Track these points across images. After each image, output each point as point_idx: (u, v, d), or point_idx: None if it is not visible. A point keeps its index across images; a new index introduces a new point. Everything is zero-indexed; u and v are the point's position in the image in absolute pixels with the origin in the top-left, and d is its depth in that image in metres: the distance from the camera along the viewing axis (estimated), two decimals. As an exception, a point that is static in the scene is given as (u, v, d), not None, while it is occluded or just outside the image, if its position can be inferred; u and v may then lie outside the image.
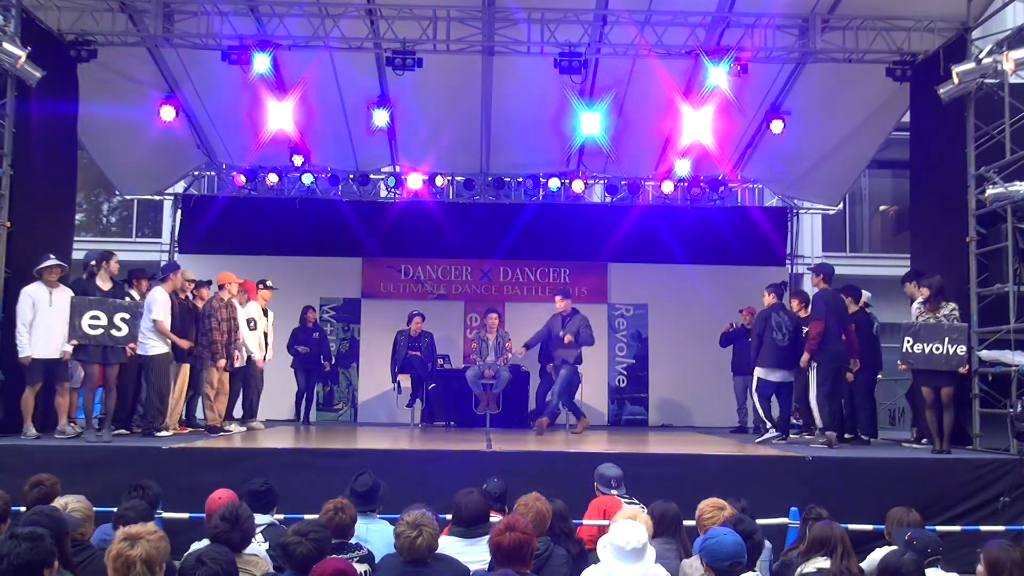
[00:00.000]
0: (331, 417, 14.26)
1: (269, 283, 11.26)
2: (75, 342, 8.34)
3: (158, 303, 9.24)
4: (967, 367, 8.80)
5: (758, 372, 9.83)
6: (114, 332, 8.36)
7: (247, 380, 10.83)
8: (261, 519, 5.21)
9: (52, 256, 8.66)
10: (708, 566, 4.05)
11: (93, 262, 9.02)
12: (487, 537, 4.17)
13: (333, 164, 14.21)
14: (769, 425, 9.81)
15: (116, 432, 8.94)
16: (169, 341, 9.32)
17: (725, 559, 3.97)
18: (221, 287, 10.22)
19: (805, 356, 9.16)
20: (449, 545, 4.64)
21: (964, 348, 8.67)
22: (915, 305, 9.43)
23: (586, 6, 10.14)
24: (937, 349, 8.69)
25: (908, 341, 8.84)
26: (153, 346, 9.15)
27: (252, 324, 10.74)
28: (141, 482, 5.47)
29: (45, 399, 8.80)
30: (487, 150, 13.74)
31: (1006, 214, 8.91)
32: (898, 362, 9.20)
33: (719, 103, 12.16)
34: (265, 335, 11.06)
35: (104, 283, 8.85)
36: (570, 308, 11.37)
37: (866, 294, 10.79)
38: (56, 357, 8.62)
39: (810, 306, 9.45)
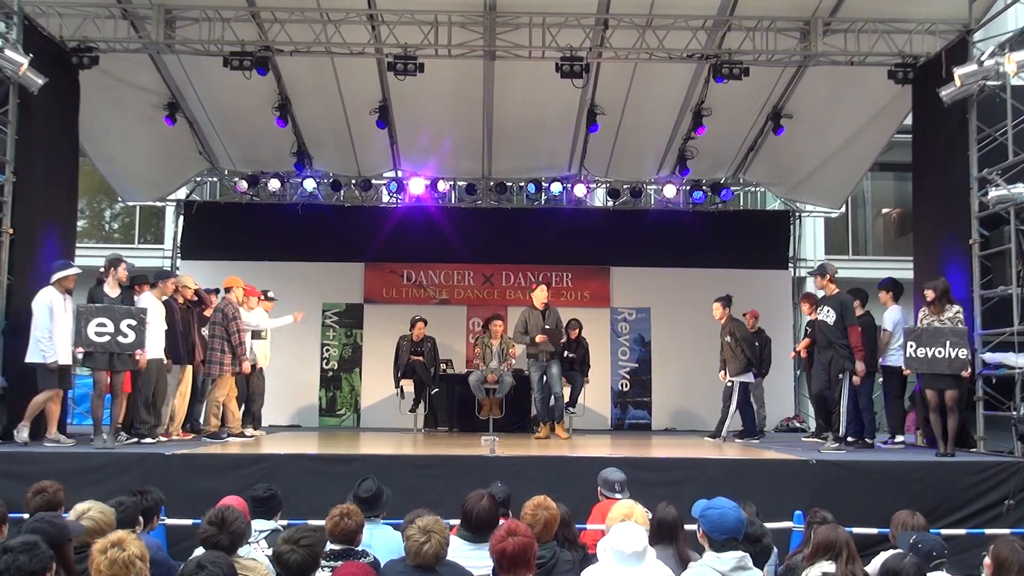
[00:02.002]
0: (334, 422, 14.25)
1: (271, 295, 11.24)
2: (82, 349, 8.35)
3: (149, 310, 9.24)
4: (969, 370, 8.79)
5: (745, 379, 10.77)
6: (120, 339, 8.37)
7: (255, 387, 10.85)
8: (264, 525, 5.21)
9: (72, 263, 8.75)
10: (704, 533, 4.04)
11: (102, 269, 9.04)
12: (493, 543, 4.15)
13: (335, 169, 14.24)
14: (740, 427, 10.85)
15: (121, 439, 8.96)
16: (163, 346, 9.33)
17: (723, 532, 3.97)
18: (228, 291, 10.22)
19: (861, 365, 9.09)
20: (455, 546, 4.63)
21: (966, 351, 8.66)
22: (891, 310, 9.88)
23: (587, 10, 10.14)
24: (939, 353, 8.68)
25: (911, 345, 8.83)
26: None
27: (263, 334, 10.79)
28: (141, 487, 5.45)
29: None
30: (489, 154, 13.75)
31: (1009, 216, 8.89)
32: (902, 366, 9.22)
33: (721, 106, 12.23)
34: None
35: (112, 289, 8.84)
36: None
37: None
38: (69, 363, 8.68)
39: (840, 307, 9.29)
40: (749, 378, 10.87)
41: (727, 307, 11.01)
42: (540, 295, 10.97)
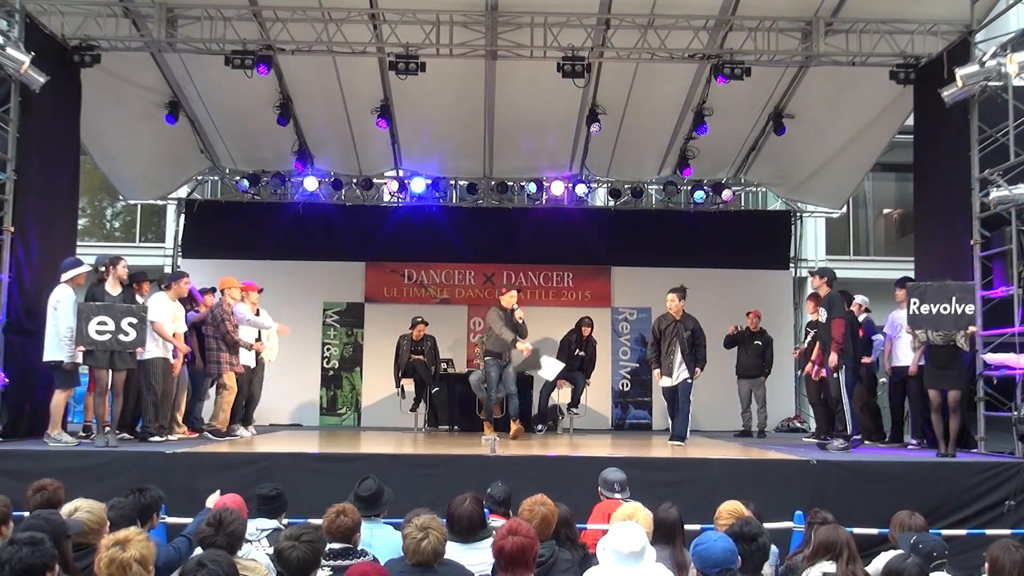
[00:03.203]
0: (335, 421, 14.26)
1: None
2: (83, 348, 8.35)
3: (155, 306, 9.25)
4: (976, 327, 8.73)
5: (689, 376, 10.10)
6: (121, 337, 8.36)
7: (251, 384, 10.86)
8: (266, 524, 5.21)
9: (83, 261, 8.82)
10: (699, 572, 4.03)
11: (103, 267, 9.04)
12: (488, 541, 4.14)
13: (336, 168, 14.24)
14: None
15: (121, 437, 8.97)
16: (170, 346, 9.33)
17: (714, 565, 3.94)
18: (223, 292, 10.22)
19: (834, 356, 9.10)
20: (449, 549, 4.62)
21: (972, 307, 8.60)
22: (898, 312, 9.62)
23: (589, 10, 10.14)
24: (945, 309, 8.59)
25: (915, 303, 8.73)
26: (150, 350, 9.15)
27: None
28: (141, 486, 5.45)
29: (42, 402, 8.80)
30: (490, 154, 13.75)
31: (1010, 217, 8.88)
32: (905, 326, 9.12)
33: (722, 106, 12.23)
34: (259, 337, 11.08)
35: (113, 288, 8.87)
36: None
37: (863, 299, 10.83)
38: (78, 362, 8.69)
39: (828, 305, 9.30)
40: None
41: (683, 299, 10.29)
42: (510, 300, 10.90)
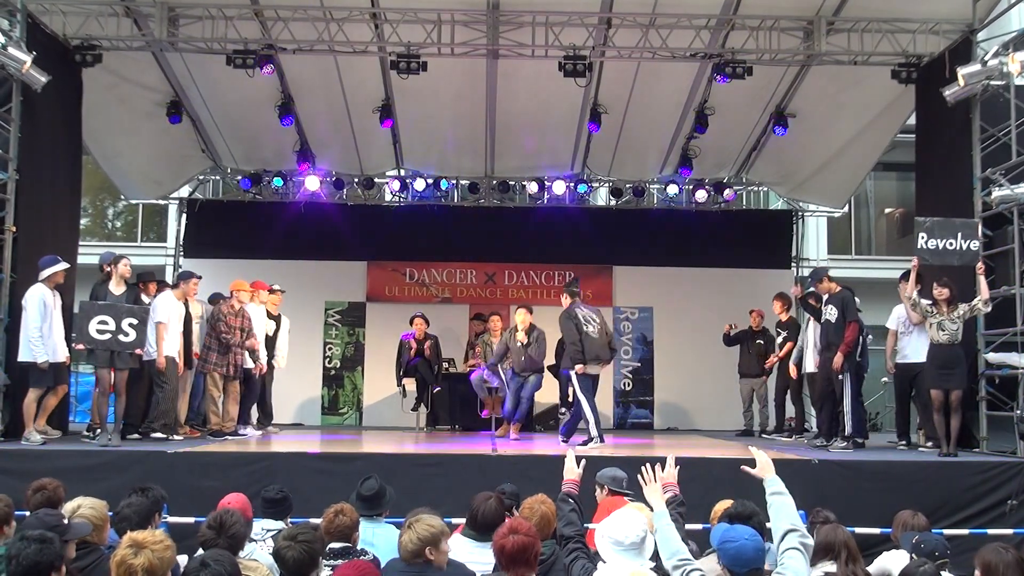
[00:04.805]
0: (336, 421, 14.26)
1: (276, 287, 11.24)
2: (83, 346, 8.36)
3: (160, 307, 9.26)
4: (982, 265, 8.73)
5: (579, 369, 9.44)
6: (121, 337, 8.36)
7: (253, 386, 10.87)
8: (273, 524, 5.22)
9: (60, 259, 8.75)
10: (726, 568, 4.01)
11: (108, 266, 9.04)
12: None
13: (338, 168, 14.23)
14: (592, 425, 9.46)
15: (132, 436, 9.00)
16: (178, 346, 9.34)
17: (744, 564, 3.93)
18: (232, 294, 10.25)
19: (839, 358, 9.09)
20: (460, 545, 4.63)
21: (977, 243, 8.62)
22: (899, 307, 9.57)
23: (590, 9, 10.14)
24: (950, 245, 8.64)
25: (922, 237, 8.74)
26: (158, 350, 9.18)
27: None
28: (144, 485, 5.45)
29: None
30: (492, 153, 13.74)
31: (1012, 216, 8.88)
32: (915, 259, 9.09)
33: (724, 105, 12.22)
34: (271, 339, 11.09)
35: (117, 287, 8.85)
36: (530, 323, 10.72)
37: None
38: (63, 360, 8.71)
39: (841, 305, 9.27)
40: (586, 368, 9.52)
41: (571, 296, 9.77)
42: (520, 318, 10.68)
